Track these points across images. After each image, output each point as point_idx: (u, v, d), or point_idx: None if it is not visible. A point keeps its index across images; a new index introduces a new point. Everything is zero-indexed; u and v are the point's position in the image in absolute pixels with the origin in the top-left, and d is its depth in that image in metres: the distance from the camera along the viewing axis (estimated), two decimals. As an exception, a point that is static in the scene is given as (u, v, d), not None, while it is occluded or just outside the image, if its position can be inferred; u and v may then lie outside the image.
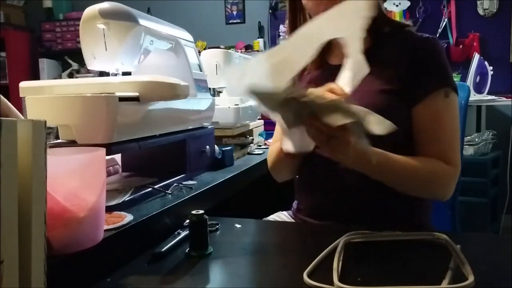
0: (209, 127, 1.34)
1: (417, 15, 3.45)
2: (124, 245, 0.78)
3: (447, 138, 0.94)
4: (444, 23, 3.40)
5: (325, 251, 0.74)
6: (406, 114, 0.95)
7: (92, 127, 0.86)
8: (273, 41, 3.88)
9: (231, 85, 0.80)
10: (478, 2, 3.33)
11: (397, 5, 3.46)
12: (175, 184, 1.07)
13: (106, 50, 0.98)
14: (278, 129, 1.16)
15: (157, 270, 0.73)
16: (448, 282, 0.62)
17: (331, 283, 0.63)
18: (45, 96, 0.90)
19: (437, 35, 3.40)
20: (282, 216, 1.17)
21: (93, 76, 1.80)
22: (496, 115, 3.22)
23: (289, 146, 0.90)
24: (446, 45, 3.37)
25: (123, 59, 1.01)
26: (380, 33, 1.01)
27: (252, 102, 1.82)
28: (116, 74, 1.03)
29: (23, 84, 0.93)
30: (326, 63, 1.08)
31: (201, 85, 1.31)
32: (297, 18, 1.07)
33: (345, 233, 0.81)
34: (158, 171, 1.13)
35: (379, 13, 1.01)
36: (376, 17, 1.01)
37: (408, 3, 3.46)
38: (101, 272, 0.70)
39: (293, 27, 1.08)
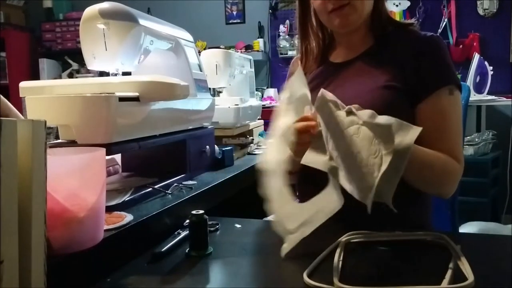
0: (209, 127, 1.34)
1: (417, 15, 3.45)
2: (124, 245, 0.78)
3: (453, 135, 0.95)
4: (444, 23, 3.40)
5: (325, 251, 0.74)
6: (410, 111, 0.95)
7: (92, 127, 0.86)
8: (273, 41, 3.88)
9: None
10: (478, 2, 3.33)
11: (397, 5, 3.46)
12: (175, 184, 1.07)
13: (106, 50, 0.98)
14: None
15: (157, 270, 0.73)
16: (448, 282, 0.62)
17: (331, 283, 0.63)
18: (45, 96, 0.90)
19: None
20: (282, 216, 1.17)
21: (93, 76, 1.80)
22: (496, 115, 3.21)
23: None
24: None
25: (123, 59, 1.01)
26: (384, 32, 1.02)
27: (252, 103, 1.81)
28: (116, 74, 1.03)
29: (23, 84, 0.93)
30: (327, 60, 1.09)
31: (201, 85, 1.31)
32: (307, 18, 1.08)
33: (345, 233, 0.81)
34: (158, 171, 1.13)
35: (382, 12, 1.02)
36: (380, 16, 1.02)
37: (408, 3, 3.46)
38: (101, 272, 0.70)
39: (303, 26, 1.09)
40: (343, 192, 0.98)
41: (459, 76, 3.20)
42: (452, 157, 0.92)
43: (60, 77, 4.00)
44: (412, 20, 1.06)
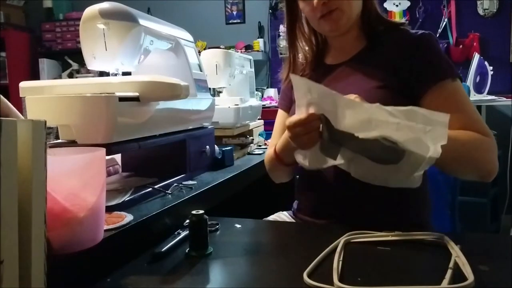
0: (209, 127, 1.34)
1: (417, 15, 3.45)
2: (124, 245, 0.78)
3: (470, 114, 0.93)
4: (444, 23, 3.40)
5: (325, 251, 0.74)
6: None
7: (92, 127, 0.86)
8: (273, 41, 3.88)
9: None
10: (478, 2, 3.33)
11: (397, 5, 3.46)
12: (175, 184, 1.07)
13: (106, 50, 0.98)
14: (275, 134, 1.17)
15: (157, 270, 0.73)
16: (448, 282, 0.62)
17: (331, 283, 0.63)
18: (45, 96, 0.90)
19: (437, 35, 3.40)
20: (282, 216, 1.17)
21: (93, 76, 1.80)
22: (496, 115, 3.21)
23: (302, 161, 0.90)
24: (446, 45, 3.36)
25: (123, 59, 1.01)
26: (375, 32, 1.02)
27: (253, 102, 1.81)
28: (116, 74, 1.03)
29: (23, 84, 0.93)
30: (322, 63, 1.09)
31: (201, 85, 1.31)
32: (295, 26, 1.09)
33: (345, 233, 0.81)
34: (158, 171, 1.13)
35: (372, 12, 1.02)
36: (369, 16, 1.02)
37: (408, 3, 3.46)
38: (101, 272, 0.70)
39: (291, 35, 1.10)
40: (344, 191, 0.98)
41: (459, 76, 3.20)
42: (479, 132, 0.91)
43: (60, 77, 4.01)
44: (403, 20, 1.06)
